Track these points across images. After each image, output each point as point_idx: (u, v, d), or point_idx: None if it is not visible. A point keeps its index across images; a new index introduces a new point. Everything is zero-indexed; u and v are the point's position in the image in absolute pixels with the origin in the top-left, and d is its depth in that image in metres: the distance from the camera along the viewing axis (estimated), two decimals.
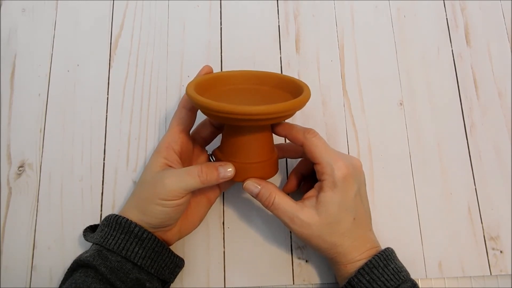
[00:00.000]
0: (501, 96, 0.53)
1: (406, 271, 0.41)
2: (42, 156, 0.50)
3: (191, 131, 0.45)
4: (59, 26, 0.55)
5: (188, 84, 0.40)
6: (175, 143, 0.42)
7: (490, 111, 0.53)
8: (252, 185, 0.41)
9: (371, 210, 0.44)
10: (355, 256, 0.40)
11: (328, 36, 0.55)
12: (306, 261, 0.47)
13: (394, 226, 0.49)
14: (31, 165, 0.49)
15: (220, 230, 0.48)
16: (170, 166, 0.41)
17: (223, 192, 0.49)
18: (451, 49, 0.55)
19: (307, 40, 0.55)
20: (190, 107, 0.43)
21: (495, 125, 0.52)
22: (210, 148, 0.47)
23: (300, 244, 0.48)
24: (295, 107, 0.38)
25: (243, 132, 0.40)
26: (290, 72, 0.53)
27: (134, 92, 0.52)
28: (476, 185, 0.50)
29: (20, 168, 0.49)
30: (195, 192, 0.43)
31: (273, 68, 0.54)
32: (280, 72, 0.54)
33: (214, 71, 0.45)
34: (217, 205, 0.49)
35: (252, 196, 0.41)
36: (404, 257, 0.43)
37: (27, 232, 0.47)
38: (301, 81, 0.43)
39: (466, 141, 0.52)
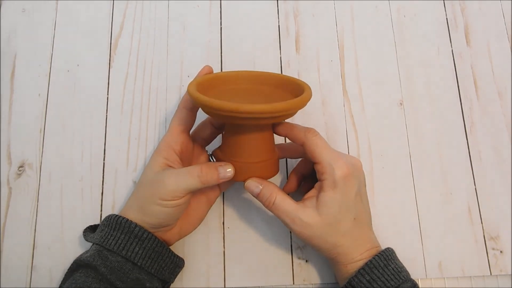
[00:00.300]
0: (501, 96, 0.53)
1: (406, 271, 0.41)
2: (42, 156, 0.50)
3: (191, 131, 0.45)
4: (59, 26, 0.55)
5: (190, 84, 0.40)
6: (175, 143, 0.42)
7: (490, 111, 0.53)
8: (253, 184, 0.41)
9: (371, 210, 0.44)
10: (355, 256, 0.40)
11: (328, 36, 0.55)
12: (306, 261, 0.47)
13: (394, 226, 0.49)
14: (31, 165, 0.49)
15: (220, 230, 0.48)
16: (170, 166, 0.41)
17: (223, 192, 0.49)
18: (451, 49, 0.55)
19: (307, 40, 0.55)
20: (190, 107, 0.43)
21: (495, 125, 0.52)
22: (210, 148, 0.47)
23: (300, 244, 0.48)
24: (297, 106, 0.38)
25: (244, 131, 0.40)
26: (290, 72, 0.53)
27: (134, 92, 0.52)
28: (476, 185, 0.50)
29: (20, 168, 0.49)
30: (195, 192, 0.43)
31: (273, 68, 0.54)
32: (280, 72, 0.54)
33: (214, 71, 0.45)
34: (217, 205, 0.49)
35: (253, 195, 0.41)
36: (404, 257, 0.43)
37: (27, 232, 0.47)
38: (302, 81, 0.43)
39: (466, 141, 0.52)
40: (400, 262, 0.42)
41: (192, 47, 0.54)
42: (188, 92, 0.39)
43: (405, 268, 0.41)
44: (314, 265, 0.47)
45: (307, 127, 0.42)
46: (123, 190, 0.49)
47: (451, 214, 0.49)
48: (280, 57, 0.54)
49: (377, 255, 0.40)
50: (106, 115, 0.52)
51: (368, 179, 0.49)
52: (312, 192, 0.41)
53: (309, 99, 0.39)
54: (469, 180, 0.50)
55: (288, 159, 0.51)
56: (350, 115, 0.52)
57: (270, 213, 0.47)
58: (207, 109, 0.38)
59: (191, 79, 0.43)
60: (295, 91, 0.41)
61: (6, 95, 0.52)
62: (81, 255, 0.40)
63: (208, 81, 0.42)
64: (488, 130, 0.52)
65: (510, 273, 0.47)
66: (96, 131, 0.51)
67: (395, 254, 0.42)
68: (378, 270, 0.39)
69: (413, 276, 0.42)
